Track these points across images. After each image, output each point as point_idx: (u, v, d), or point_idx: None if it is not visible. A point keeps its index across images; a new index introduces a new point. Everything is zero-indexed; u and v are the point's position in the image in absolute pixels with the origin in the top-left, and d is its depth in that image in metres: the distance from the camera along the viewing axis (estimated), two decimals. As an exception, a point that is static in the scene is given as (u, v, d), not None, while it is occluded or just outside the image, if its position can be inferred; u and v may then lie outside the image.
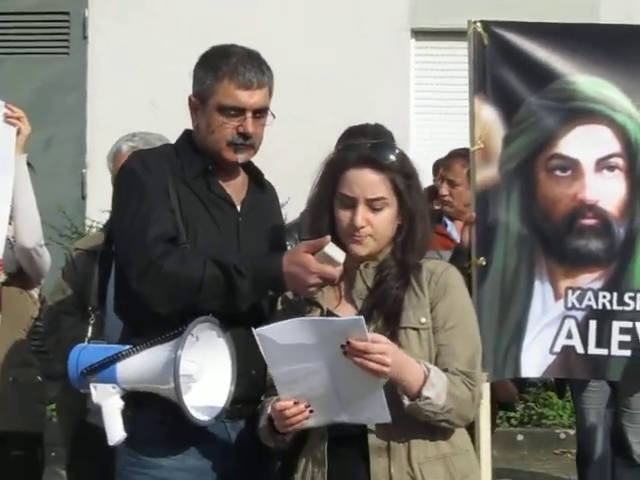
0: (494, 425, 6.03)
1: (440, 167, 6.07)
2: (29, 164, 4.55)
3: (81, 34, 10.37)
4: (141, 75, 9.11)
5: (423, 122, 9.76)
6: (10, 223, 4.28)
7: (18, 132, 4.29)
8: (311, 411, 3.07)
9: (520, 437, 8.91)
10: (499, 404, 6.10)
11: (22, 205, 4.29)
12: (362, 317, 2.97)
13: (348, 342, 2.92)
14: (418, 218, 3.28)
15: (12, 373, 4.40)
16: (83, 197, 10.00)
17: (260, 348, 3.03)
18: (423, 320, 3.18)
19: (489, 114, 4.09)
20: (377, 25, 9.31)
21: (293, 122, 8.71)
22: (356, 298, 3.27)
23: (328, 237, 3.17)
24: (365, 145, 3.33)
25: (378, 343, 2.97)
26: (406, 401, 3.04)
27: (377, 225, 3.21)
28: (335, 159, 3.31)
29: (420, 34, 9.58)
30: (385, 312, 3.18)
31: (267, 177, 3.69)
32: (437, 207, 5.88)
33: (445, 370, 3.14)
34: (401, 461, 3.12)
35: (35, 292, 4.60)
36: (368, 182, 3.20)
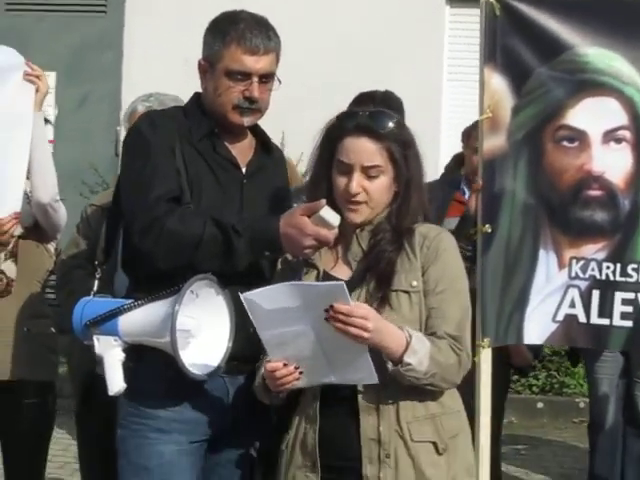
0: (505, 390, 6.08)
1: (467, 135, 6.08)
2: (47, 120, 4.60)
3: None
4: (176, 34, 9.09)
5: (455, 89, 9.73)
6: (27, 178, 4.35)
7: (37, 90, 4.31)
8: (301, 372, 3.14)
9: (540, 405, 8.94)
10: (514, 368, 6.16)
11: (38, 161, 4.33)
12: (343, 283, 3.03)
13: (331, 306, 2.98)
14: (413, 186, 3.32)
15: (26, 324, 4.47)
16: (116, 154, 10.05)
17: (248, 312, 3.10)
18: (414, 283, 3.23)
19: (498, 83, 4.10)
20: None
21: (323, 85, 8.78)
22: (352, 260, 3.32)
23: (323, 201, 3.22)
24: (363, 113, 3.36)
25: (361, 308, 3.03)
26: (390, 366, 3.09)
27: (372, 192, 3.25)
28: (333, 126, 3.34)
29: (455, 1, 9.55)
30: (378, 274, 3.23)
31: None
32: (463, 173, 5.90)
33: (434, 333, 3.19)
34: (390, 420, 3.17)
35: (52, 246, 4.65)
36: (364, 150, 3.25)
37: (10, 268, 4.46)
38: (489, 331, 4.11)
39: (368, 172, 3.24)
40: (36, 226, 4.50)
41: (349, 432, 3.20)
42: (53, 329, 4.57)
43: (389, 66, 9.01)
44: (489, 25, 4.10)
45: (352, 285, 3.23)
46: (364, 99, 4.73)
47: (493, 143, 4.13)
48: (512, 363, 5.91)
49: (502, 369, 5.67)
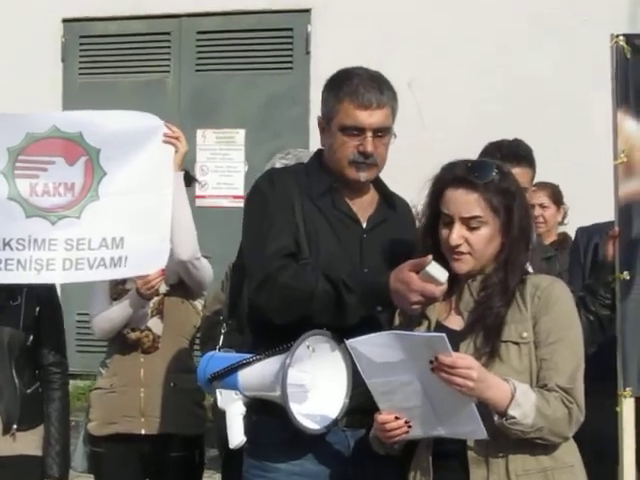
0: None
1: None
2: (194, 178, 4.71)
3: (304, 49, 10.53)
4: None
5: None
6: None
7: (176, 151, 4.39)
8: (409, 425, 3.17)
9: None
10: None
11: (178, 219, 4.41)
12: (444, 335, 3.02)
13: (436, 358, 2.99)
14: (519, 236, 3.30)
15: (173, 378, 4.58)
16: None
17: (354, 358, 3.15)
18: (524, 334, 3.21)
19: (632, 127, 4.05)
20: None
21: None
22: (464, 310, 3.33)
23: (430, 257, 3.25)
24: (464, 164, 3.36)
25: (465, 359, 3.03)
26: (495, 418, 3.08)
27: (474, 243, 3.26)
28: (437, 178, 3.36)
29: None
30: (486, 327, 3.22)
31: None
32: None
33: (545, 385, 3.16)
34: (499, 473, 3.16)
35: (199, 302, 4.74)
36: (462, 201, 3.26)
37: (156, 325, 4.59)
38: (631, 380, 4.02)
39: (468, 223, 3.25)
40: (181, 283, 4.62)
41: None
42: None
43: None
44: (621, 68, 4.05)
45: (462, 336, 3.26)
46: (491, 149, 4.71)
47: (629, 188, 4.06)
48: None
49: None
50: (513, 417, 3.06)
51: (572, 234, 6.02)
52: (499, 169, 3.34)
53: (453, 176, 3.30)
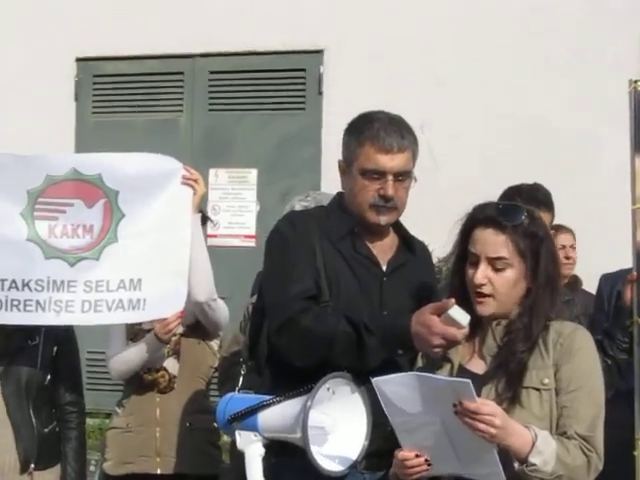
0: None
1: None
2: (208, 218, 4.71)
3: (317, 89, 10.56)
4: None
5: None
6: None
7: (194, 193, 4.41)
8: (430, 464, 3.18)
9: None
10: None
11: (195, 260, 4.41)
12: (469, 381, 3.02)
13: (460, 402, 3.00)
14: (545, 282, 3.31)
15: (188, 419, 4.58)
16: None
17: (378, 396, 3.16)
18: (546, 381, 3.22)
19: (652, 172, 4.09)
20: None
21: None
22: (487, 354, 3.34)
23: (452, 300, 3.28)
24: (494, 206, 3.41)
25: (488, 406, 3.04)
26: (516, 465, 3.09)
27: (498, 284, 3.28)
28: (467, 218, 3.39)
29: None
30: (508, 373, 3.23)
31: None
32: None
33: (564, 433, 3.17)
34: None
35: (215, 343, 4.75)
36: (490, 241, 3.28)
37: (173, 365, 4.59)
38: (654, 425, 4.04)
39: (494, 264, 3.28)
40: (197, 324, 4.64)
41: None
42: (215, 424, 4.64)
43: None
44: (639, 113, 4.08)
45: (485, 380, 3.28)
46: (511, 193, 4.74)
47: (649, 233, 4.09)
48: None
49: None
50: (534, 464, 3.07)
51: (584, 277, 6.07)
52: (529, 213, 3.37)
53: (484, 216, 3.33)
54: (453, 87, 9.81)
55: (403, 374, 3.17)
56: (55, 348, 4.53)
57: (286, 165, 10.37)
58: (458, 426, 3.05)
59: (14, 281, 4.27)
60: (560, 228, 5.94)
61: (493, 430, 3.01)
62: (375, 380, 3.16)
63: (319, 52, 10.54)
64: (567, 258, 6.08)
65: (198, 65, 10.91)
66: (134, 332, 4.65)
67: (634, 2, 9.45)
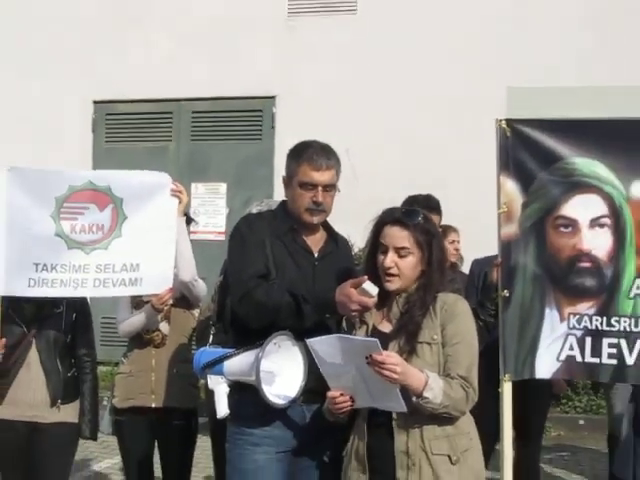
0: (546, 411, 5.92)
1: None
2: (192, 219, 4.68)
3: (270, 125, 10.60)
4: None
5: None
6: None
7: (180, 201, 4.39)
8: (352, 400, 3.19)
9: (582, 422, 8.70)
10: (553, 395, 6.02)
11: (181, 251, 4.41)
12: (377, 340, 3.08)
13: (370, 355, 3.03)
14: (435, 266, 3.33)
15: (175, 367, 4.55)
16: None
17: (311, 352, 3.20)
18: (435, 337, 3.23)
19: (511, 186, 4.07)
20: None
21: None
22: (392, 318, 3.34)
23: (365, 277, 3.30)
24: (400, 210, 3.46)
25: (392, 357, 3.06)
26: (413, 399, 3.11)
27: (402, 267, 3.29)
28: (379, 218, 3.40)
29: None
30: (408, 331, 3.25)
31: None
32: None
33: (448, 374, 3.19)
34: (416, 438, 3.18)
35: (196, 311, 4.71)
36: (396, 236, 3.30)
37: (165, 327, 4.58)
38: (509, 369, 4.04)
39: (399, 252, 3.29)
40: (183, 297, 4.60)
41: (387, 446, 3.21)
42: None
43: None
44: (502, 143, 4.09)
45: (391, 337, 3.29)
46: (410, 200, 4.78)
47: (509, 230, 4.08)
48: (553, 391, 5.82)
49: (543, 397, 5.60)
50: (426, 397, 3.10)
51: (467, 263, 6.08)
52: (424, 215, 3.39)
53: (391, 217, 3.34)
54: (373, 121, 9.85)
55: (328, 336, 3.19)
56: (74, 315, 4.50)
57: (247, 180, 10.42)
58: (370, 373, 3.08)
59: (45, 265, 4.22)
60: (449, 227, 5.96)
61: (395, 375, 3.04)
62: (308, 340, 3.19)
63: (272, 98, 10.63)
64: (456, 250, 6.10)
65: (183, 107, 10.96)
66: (136, 303, 4.60)
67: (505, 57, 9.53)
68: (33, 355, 4.36)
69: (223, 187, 10.61)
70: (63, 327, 4.44)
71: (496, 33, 9.76)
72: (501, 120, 4.12)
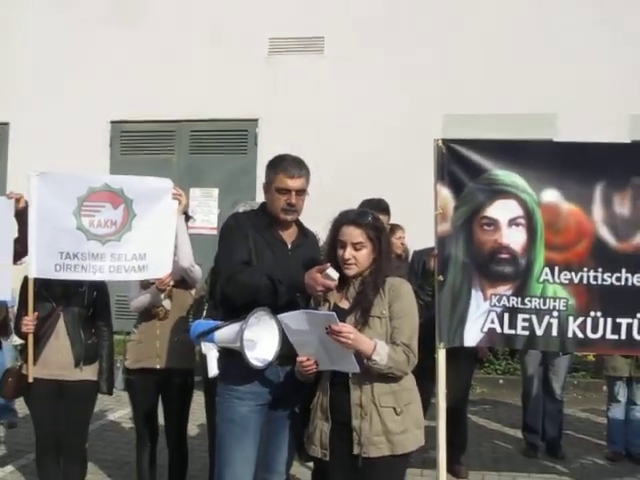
0: (471, 373, 5.97)
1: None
2: (191, 216, 4.66)
3: (254, 142, 10.55)
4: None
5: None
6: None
7: (179, 203, 4.35)
8: (316, 363, 3.19)
9: (501, 381, 8.76)
10: (477, 360, 6.07)
11: (181, 243, 4.38)
12: (334, 313, 3.09)
13: (330, 326, 3.03)
14: (384, 255, 3.33)
15: (176, 336, 4.52)
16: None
17: (282, 325, 3.19)
18: (384, 312, 3.23)
19: (445, 193, 4.08)
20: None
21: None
22: (350, 297, 3.33)
23: (328, 264, 3.28)
24: (354, 212, 3.42)
25: (346, 327, 3.07)
26: (365, 362, 3.11)
27: (358, 258, 3.28)
28: (336, 220, 3.38)
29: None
30: (362, 308, 3.25)
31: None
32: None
33: (394, 342, 3.18)
34: (367, 393, 3.18)
35: (193, 291, 4.67)
36: (352, 233, 3.28)
37: (167, 304, 4.54)
38: (444, 338, 4.06)
39: (355, 246, 3.27)
40: (182, 279, 4.56)
41: (345, 400, 3.20)
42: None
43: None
44: (439, 158, 4.09)
45: (348, 312, 3.28)
46: (365, 203, 4.77)
47: (443, 227, 4.10)
48: (478, 356, 5.86)
49: (470, 361, 5.65)
50: (374, 360, 3.10)
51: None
52: (373, 216, 3.37)
53: (347, 219, 3.32)
54: (335, 142, 9.86)
55: (296, 311, 3.18)
56: (94, 293, 4.45)
57: (235, 186, 10.40)
58: (330, 340, 3.07)
59: (68, 253, 4.18)
60: (397, 226, 5.97)
61: (349, 341, 3.04)
62: (280, 316, 3.20)
63: (255, 120, 10.59)
64: (402, 244, 6.12)
65: (183, 126, 10.86)
66: (144, 284, 4.55)
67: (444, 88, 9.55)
68: (61, 326, 4.33)
69: (215, 192, 10.54)
70: (85, 303, 4.40)
71: (434, 75, 9.80)
72: (438, 140, 4.14)
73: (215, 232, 9.62)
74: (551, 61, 9.52)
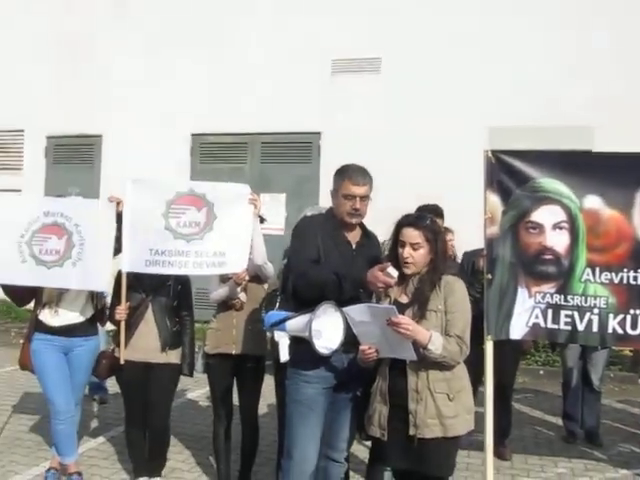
0: (517, 364, 5.85)
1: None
2: (263, 219, 4.65)
3: (317, 152, 10.57)
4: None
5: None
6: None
7: (255, 207, 4.34)
8: (377, 352, 3.18)
9: (541, 372, 8.62)
10: (522, 352, 5.99)
11: (256, 243, 4.38)
12: (394, 307, 3.08)
13: (390, 318, 3.03)
14: (439, 255, 3.30)
15: (250, 325, 4.52)
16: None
17: (347, 317, 3.19)
18: (439, 307, 3.21)
19: (494, 199, 4.05)
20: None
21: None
22: (409, 293, 3.32)
23: (389, 263, 3.27)
24: (413, 215, 3.41)
25: (405, 319, 3.07)
26: (421, 350, 3.10)
27: (415, 257, 3.27)
28: (398, 223, 3.37)
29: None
30: (419, 302, 3.23)
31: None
32: None
33: (448, 334, 3.16)
34: (423, 380, 3.17)
35: (265, 285, 4.65)
36: (411, 234, 3.27)
37: (243, 296, 4.53)
38: (491, 331, 4.03)
39: (413, 246, 3.26)
40: (256, 275, 4.56)
41: (402, 385, 3.20)
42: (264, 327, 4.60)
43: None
44: (488, 167, 4.06)
45: (407, 306, 3.26)
46: (422, 207, 4.75)
47: (492, 230, 4.07)
48: (523, 348, 5.78)
49: (516, 352, 5.58)
50: (430, 350, 3.09)
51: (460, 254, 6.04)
52: (431, 219, 3.36)
53: (407, 221, 3.31)
54: (391, 152, 9.78)
55: (361, 304, 3.18)
56: (179, 286, 4.52)
57: (300, 192, 10.40)
58: (390, 331, 3.07)
59: (157, 250, 4.23)
60: (447, 229, 5.88)
61: (408, 332, 3.03)
62: (345, 309, 3.19)
63: (318, 133, 10.59)
64: (451, 246, 6.06)
65: (255, 139, 10.93)
66: (223, 279, 4.56)
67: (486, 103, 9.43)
68: (149, 315, 4.41)
69: (283, 197, 10.58)
70: (171, 295, 4.47)
71: (483, 92, 9.67)
72: (488, 151, 4.10)
73: (282, 233, 9.67)
74: (587, 76, 9.28)
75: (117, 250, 4.34)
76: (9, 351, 8.66)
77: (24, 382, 7.12)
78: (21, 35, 12.05)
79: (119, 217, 4.28)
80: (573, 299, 3.99)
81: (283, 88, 10.55)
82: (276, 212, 10.52)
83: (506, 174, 4.04)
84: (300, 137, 10.66)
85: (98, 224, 4.31)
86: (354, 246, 3.61)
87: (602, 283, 3.97)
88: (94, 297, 4.57)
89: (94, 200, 4.61)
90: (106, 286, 4.39)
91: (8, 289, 4.45)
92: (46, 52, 11.85)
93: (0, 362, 8.37)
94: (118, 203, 4.28)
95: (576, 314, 3.97)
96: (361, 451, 5.01)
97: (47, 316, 4.46)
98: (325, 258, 3.48)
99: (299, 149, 10.73)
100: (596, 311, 3.94)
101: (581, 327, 3.96)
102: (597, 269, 3.98)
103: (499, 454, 5.34)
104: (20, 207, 4.45)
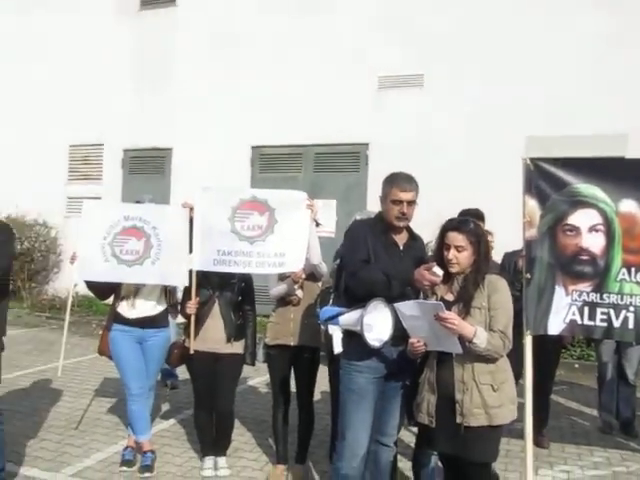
0: (557, 358, 5.72)
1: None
2: (319, 223, 4.63)
3: (365, 162, 10.53)
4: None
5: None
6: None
7: (311, 211, 4.35)
8: (425, 345, 3.15)
9: (576, 365, 8.39)
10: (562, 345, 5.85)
11: (312, 244, 4.39)
12: (441, 303, 3.06)
13: (437, 314, 2.99)
14: (482, 257, 3.26)
15: (305, 319, 4.53)
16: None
17: (397, 312, 3.16)
18: (484, 304, 3.16)
19: (532, 204, 3.94)
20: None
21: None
22: (454, 291, 3.28)
23: (434, 263, 3.24)
24: (457, 220, 3.37)
25: (451, 315, 3.03)
26: (467, 344, 3.06)
27: (460, 259, 3.23)
28: (443, 226, 3.33)
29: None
30: (464, 300, 3.20)
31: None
32: None
33: (491, 329, 3.11)
34: (469, 372, 3.13)
35: (319, 283, 4.67)
36: (456, 237, 3.23)
37: (299, 293, 4.54)
38: (530, 327, 3.91)
39: (457, 249, 3.22)
40: (312, 274, 4.57)
41: (449, 376, 3.17)
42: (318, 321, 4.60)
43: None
44: (527, 174, 3.96)
45: (452, 304, 3.23)
46: (464, 212, 4.67)
47: (530, 233, 3.94)
48: (562, 343, 5.65)
49: (556, 346, 5.47)
50: (475, 343, 3.04)
51: (497, 255, 5.93)
52: (474, 223, 3.32)
53: (452, 225, 3.27)
54: (435, 162, 9.69)
55: (410, 301, 3.16)
56: (243, 284, 4.55)
57: (350, 197, 10.37)
58: (438, 326, 3.04)
59: (223, 251, 4.26)
60: (487, 231, 5.79)
61: (454, 327, 3.00)
62: (395, 304, 3.17)
63: (366, 144, 10.53)
64: (492, 247, 5.96)
65: (309, 149, 10.93)
66: (282, 277, 4.59)
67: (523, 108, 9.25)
68: (216, 309, 4.45)
69: (334, 203, 10.54)
70: (236, 291, 4.50)
71: (519, 104, 9.49)
72: (526, 158, 4.01)
73: (333, 236, 9.66)
74: (625, 85, 9.01)
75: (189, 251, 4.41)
76: (91, 341, 8.90)
77: (103, 368, 7.29)
78: (103, 59, 12.37)
79: (190, 221, 4.34)
80: (609, 297, 3.86)
81: (334, 103, 10.55)
82: (328, 216, 10.51)
83: (544, 180, 3.92)
84: (349, 148, 10.63)
85: (173, 227, 4.39)
86: (401, 247, 3.58)
87: (638, 282, 3.83)
88: (167, 293, 4.65)
89: (167, 205, 4.70)
90: (184, 282, 4.40)
91: (92, 284, 4.57)
92: (124, 75, 12.15)
93: (82, 351, 8.59)
94: (191, 209, 4.34)
95: (612, 311, 3.84)
96: (407, 436, 4.97)
97: (124, 309, 4.56)
98: (375, 259, 3.46)
99: (348, 159, 10.70)
100: (632, 309, 3.81)
101: (617, 324, 3.83)
102: (633, 269, 3.84)
103: (537, 442, 5.22)
104: (103, 212, 4.56)
